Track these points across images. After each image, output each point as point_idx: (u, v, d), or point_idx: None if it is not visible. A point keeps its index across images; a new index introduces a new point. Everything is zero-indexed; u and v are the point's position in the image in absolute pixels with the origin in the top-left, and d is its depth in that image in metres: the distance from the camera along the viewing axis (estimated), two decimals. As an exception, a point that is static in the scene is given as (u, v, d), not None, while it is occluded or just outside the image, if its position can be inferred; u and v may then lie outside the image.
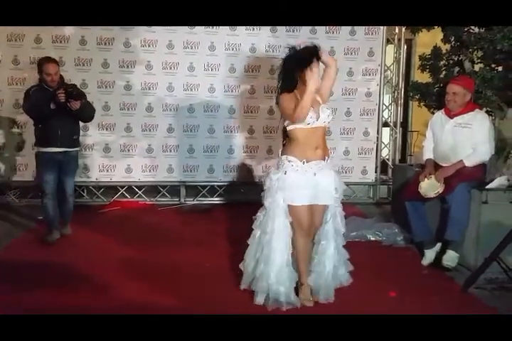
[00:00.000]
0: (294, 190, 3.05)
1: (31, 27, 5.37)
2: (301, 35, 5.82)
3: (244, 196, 5.89)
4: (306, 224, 3.10)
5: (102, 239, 4.47)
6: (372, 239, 4.57)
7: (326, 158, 3.13)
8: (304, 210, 3.08)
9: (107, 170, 5.81)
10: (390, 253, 4.27)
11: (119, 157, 5.79)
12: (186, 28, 5.64)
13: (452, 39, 4.71)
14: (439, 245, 3.94)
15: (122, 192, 5.95)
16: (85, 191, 5.95)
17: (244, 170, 5.98)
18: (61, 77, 4.32)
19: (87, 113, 4.35)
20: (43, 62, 4.21)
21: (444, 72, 4.82)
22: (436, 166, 4.00)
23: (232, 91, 5.75)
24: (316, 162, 3.07)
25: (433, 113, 4.76)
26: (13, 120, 5.57)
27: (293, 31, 5.82)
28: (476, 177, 3.86)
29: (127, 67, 5.67)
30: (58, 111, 4.10)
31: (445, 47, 4.88)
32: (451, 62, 4.83)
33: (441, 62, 4.85)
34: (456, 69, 4.78)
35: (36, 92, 4.20)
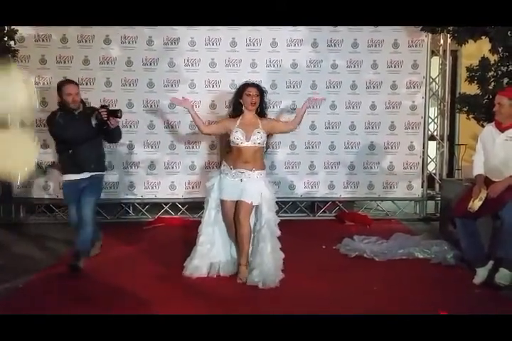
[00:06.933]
0: (222, 188, 3.91)
1: (80, 49, 5.62)
2: (343, 50, 5.80)
3: (284, 213, 5.79)
4: (228, 216, 3.92)
5: (146, 255, 4.52)
6: (421, 256, 4.43)
7: (254, 169, 3.85)
8: (227, 205, 3.90)
9: (152, 187, 5.91)
10: (440, 272, 4.13)
11: (163, 174, 5.88)
12: (229, 46, 5.72)
13: (501, 49, 4.58)
14: (491, 263, 3.79)
15: (166, 209, 6.04)
16: (131, 208, 6.06)
17: (286, 186, 5.95)
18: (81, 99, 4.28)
19: (119, 133, 4.38)
20: (62, 84, 4.17)
21: (492, 84, 4.69)
22: (487, 181, 3.85)
23: (273, 107, 5.74)
24: (242, 170, 3.84)
25: (482, 125, 4.62)
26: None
27: (334, 46, 5.80)
28: (530, 192, 3.68)
29: (171, 86, 5.78)
30: (89, 134, 4.12)
31: (493, 58, 4.75)
32: (499, 73, 4.70)
33: (490, 73, 4.74)
34: (506, 80, 4.65)
35: (63, 117, 4.12)
